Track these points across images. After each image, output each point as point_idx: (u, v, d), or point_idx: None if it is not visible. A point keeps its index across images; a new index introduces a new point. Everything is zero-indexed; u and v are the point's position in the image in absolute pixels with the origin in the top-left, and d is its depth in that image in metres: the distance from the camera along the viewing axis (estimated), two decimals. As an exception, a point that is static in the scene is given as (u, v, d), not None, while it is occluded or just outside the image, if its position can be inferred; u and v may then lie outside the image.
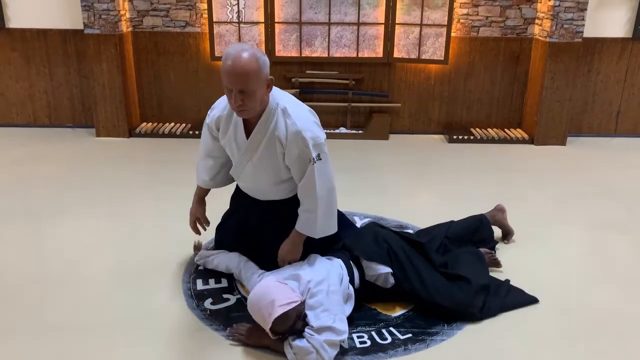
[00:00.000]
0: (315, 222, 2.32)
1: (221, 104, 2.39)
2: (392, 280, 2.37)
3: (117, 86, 4.80)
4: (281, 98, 2.29)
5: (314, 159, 2.21)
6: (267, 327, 2.03)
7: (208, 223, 2.69)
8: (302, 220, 2.35)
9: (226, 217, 2.74)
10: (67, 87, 5.13)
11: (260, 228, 2.55)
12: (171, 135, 4.98)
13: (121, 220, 3.32)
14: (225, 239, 2.71)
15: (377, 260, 2.38)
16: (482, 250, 2.76)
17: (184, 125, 5.16)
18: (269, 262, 2.49)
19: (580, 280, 2.73)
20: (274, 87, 2.29)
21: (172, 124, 5.18)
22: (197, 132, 4.96)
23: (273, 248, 2.47)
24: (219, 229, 2.75)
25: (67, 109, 5.20)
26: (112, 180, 3.97)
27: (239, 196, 2.64)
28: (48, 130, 5.15)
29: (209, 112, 2.44)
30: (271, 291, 2.06)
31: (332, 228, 2.40)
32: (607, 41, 4.93)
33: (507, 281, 2.59)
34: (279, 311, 1.99)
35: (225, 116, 2.36)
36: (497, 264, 2.74)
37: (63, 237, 3.12)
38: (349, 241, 2.48)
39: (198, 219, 2.65)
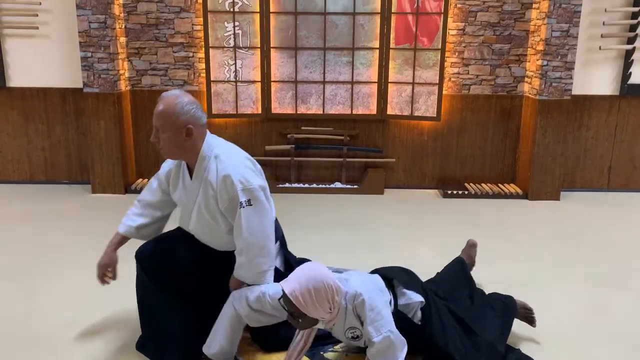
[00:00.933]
0: (241, 267, 2.28)
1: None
2: (420, 314, 2.31)
3: (114, 143, 4.85)
4: (218, 146, 2.34)
5: (242, 203, 2.22)
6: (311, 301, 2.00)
7: (115, 277, 2.54)
8: (236, 269, 2.32)
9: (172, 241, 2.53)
10: (64, 144, 5.18)
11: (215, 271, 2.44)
12: (167, 191, 4.99)
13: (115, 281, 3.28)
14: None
15: (413, 288, 2.35)
16: (519, 302, 2.66)
17: (179, 181, 5.18)
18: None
19: (584, 342, 2.69)
20: (216, 137, 2.37)
21: (168, 179, 5.20)
22: (192, 188, 4.98)
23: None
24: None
25: (64, 165, 5.23)
26: (106, 237, 3.94)
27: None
28: (44, 186, 5.16)
29: (162, 165, 2.54)
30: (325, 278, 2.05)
31: (262, 279, 2.29)
32: (596, 98, 5.06)
33: (519, 350, 2.49)
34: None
35: (174, 167, 2.46)
36: (531, 321, 2.63)
37: (56, 296, 3.07)
38: (384, 270, 2.46)
39: (109, 269, 2.50)
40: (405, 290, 2.35)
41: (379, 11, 4.89)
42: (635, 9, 4.81)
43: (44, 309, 2.95)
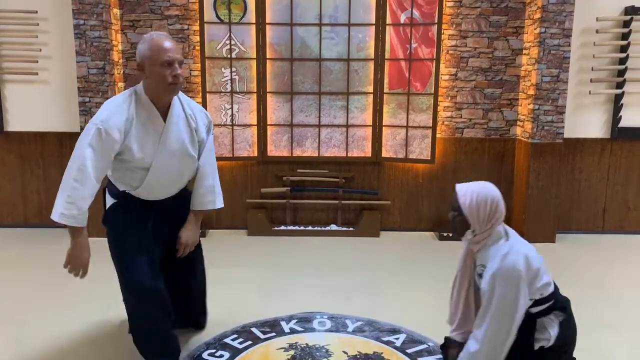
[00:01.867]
0: (217, 191, 2.66)
1: (117, 107, 2.30)
2: (536, 345, 2.22)
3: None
4: None
5: (211, 130, 2.65)
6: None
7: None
8: (204, 196, 2.61)
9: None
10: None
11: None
12: (162, 234, 4.97)
13: (106, 327, 3.23)
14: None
15: (565, 333, 2.24)
16: None
17: (175, 224, 5.17)
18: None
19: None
20: None
21: (163, 223, 5.19)
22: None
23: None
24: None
25: (59, 208, 5.22)
26: (95, 281, 3.90)
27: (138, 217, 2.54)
28: (38, 230, 5.13)
29: (103, 121, 2.25)
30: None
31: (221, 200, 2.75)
32: (587, 141, 5.13)
33: None
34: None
35: (134, 114, 2.31)
36: None
37: (44, 343, 3.01)
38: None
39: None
40: (555, 324, 2.24)
41: (373, 57, 5.00)
42: (622, 55, 4.94)
43: (30, 356, 2.89)
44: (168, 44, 2.28)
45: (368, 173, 5.25)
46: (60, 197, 2.27)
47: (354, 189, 5.24)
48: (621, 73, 4.98)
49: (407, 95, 5.03)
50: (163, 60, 2.25)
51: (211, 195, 2.60)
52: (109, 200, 2.60)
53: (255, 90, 5.02)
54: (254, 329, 3.14)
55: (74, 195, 2.25)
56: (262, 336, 3.05)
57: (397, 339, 3.05)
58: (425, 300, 3.68)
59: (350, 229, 5.16)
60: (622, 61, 4.97)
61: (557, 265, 4.40)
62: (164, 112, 2.37)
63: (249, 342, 2.98)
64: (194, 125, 2.44)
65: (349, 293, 3.76)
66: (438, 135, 5.10)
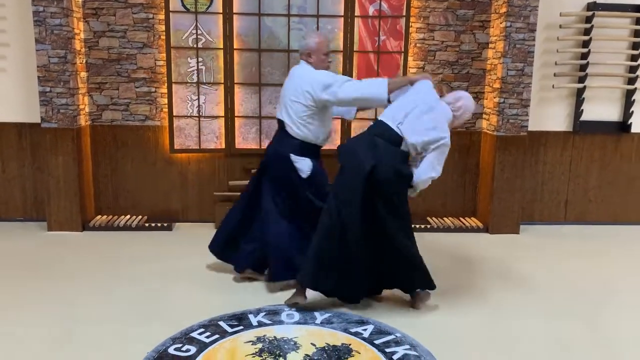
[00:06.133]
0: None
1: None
2: None
3: (72, 179, 4.73)
4: None
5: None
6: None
7: None
8: None
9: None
10: (19, 180, 5.02)
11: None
12: (126, 228, 4.86)
13: (67, 325, 3.14)
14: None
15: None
16: None
17: (139, 217, 5.07)
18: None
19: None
20: None
21: (128, 216, 5.09)
22: (152, 224, 4.89)
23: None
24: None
25: (19, 202, 5.06)
26: (59, 280, 3.79)
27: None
28: (-5, 224, 4.97)
29: None
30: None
31: None
32: (551, 134, 5.24)
33: None
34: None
35: None
36: None
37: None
38: None
39: None
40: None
41: (342, 49, 4.99)
42: (584, 50, 5.05)
43: (-8, 355, 2.80)
44: (327, 41, 3.71)
45: (336, 165, 5.22)
46: (369, 89, 3.52)
47: (323, 182, 5.22)
48: (583, 67, 5.10)
49: (375, 88, 5.03)
50: (326, 52, 3.63)
51: None
52: (303, 162, 3.90)
53: (223, 81, 4.95)
54: (221, 323, 3.11)
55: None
56: (229, 329, 3.03)
57: (365, 330, 3.07)
58: (392, 291, 3.70)
59: (319, 221, 5.14)
60: (584, 56, 5.08)
61: (521, 256, 4.49)
62: None
63: (217, 336, 2.95)
64: None
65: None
66: (406, 128, 5.13)
